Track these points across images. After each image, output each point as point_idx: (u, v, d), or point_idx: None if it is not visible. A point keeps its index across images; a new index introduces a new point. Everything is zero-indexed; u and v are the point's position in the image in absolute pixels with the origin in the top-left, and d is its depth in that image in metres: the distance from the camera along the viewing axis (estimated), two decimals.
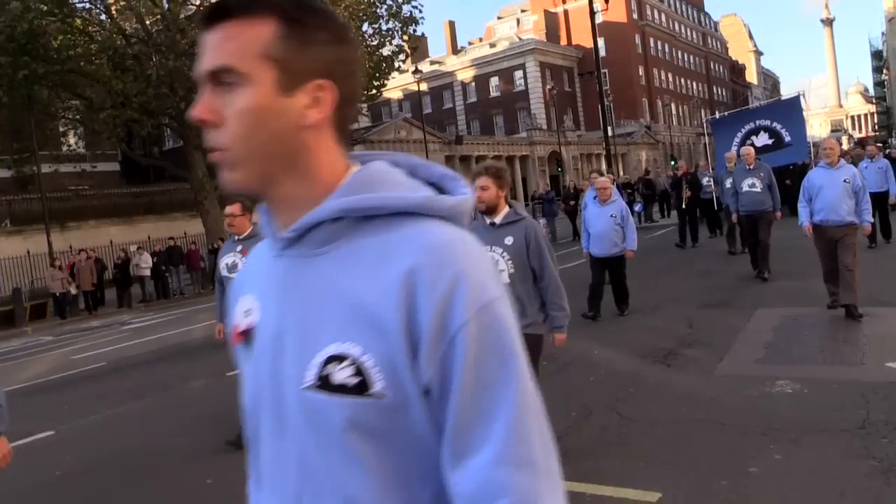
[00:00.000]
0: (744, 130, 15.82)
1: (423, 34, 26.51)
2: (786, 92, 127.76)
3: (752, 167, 9.65)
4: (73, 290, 19.80)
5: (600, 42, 69.19)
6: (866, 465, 3.63)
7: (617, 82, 67.72)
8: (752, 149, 10.40)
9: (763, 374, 5.41)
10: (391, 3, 23.84)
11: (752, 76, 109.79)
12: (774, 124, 15.55)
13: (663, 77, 74.61)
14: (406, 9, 23.90)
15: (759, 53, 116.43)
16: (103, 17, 22.13)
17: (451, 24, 73.90)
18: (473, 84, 67.35)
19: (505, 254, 3.72)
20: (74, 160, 33.74)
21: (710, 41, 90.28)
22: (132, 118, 20.39)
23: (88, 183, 33.76)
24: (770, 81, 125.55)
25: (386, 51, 25.00)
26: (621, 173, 39.07)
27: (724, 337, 6.64)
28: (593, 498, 3.62)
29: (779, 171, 18.10)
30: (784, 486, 3.50)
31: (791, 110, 16.39)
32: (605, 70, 69.77)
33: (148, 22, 22.05)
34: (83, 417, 6.85)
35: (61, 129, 25.91)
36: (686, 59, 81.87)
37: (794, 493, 3.41)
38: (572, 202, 21.36)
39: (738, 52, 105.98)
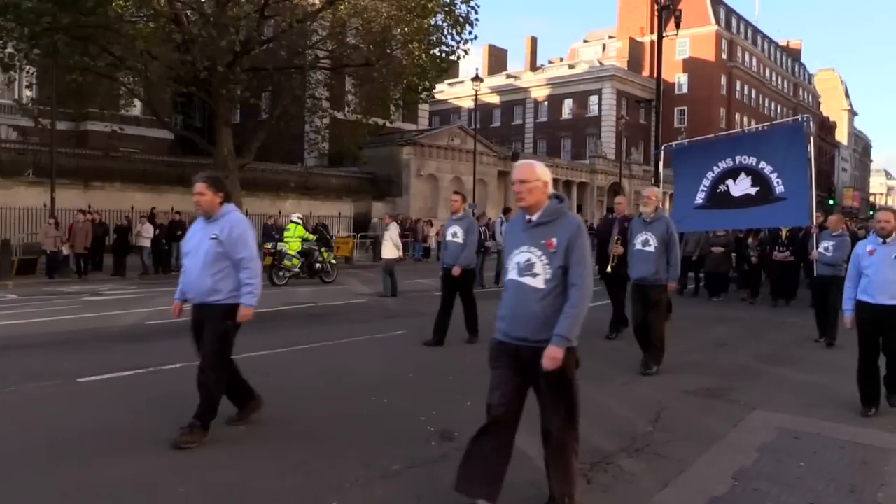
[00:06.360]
0: (717, 169, 10.97)
1: (475, 36, 24.95)
2: (878, 159, 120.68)
3: (651, 219, 7.11)
4: (66, 251, 18.88)
5: (684, 78, 67.33)
6: None
7: (695, 121, 64.96)
8: (655, 190, 7.34)
9: None
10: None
11: (842, 136, 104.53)
12: (762, 165, 10.61)
13: (745, 122, 71.23)
14: (462, 8, 22.37)
15: (853, 113, 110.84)
16: None
17: (533, 40, 72.22)
18: (546, 103, 65.78)
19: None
20: (130, 122, 33.29)
21: (801, 93, 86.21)
22: (151, 81, 19.43)
23: (140, 147, 33.42)
24: (861, 144, 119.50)
25: (436, 51, 23.52)
26: None
27: (691, 445, 4.82)
28: None
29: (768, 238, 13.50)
30: None
31: (789, 145, 10.70)
32: (685, 107, 67.17)
33: None
34: None
35: (120, 91, 25.10)
36: (773, 107, 78.20)
37: None
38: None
39: (831, 108, 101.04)
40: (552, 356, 3.27)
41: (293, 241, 17.11)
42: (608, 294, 9.55)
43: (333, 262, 18.45)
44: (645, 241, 7.11)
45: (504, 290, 3.61)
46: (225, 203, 4.79)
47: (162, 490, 3.92)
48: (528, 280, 3.43)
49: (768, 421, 5.45)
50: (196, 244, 4.78)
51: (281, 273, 16.71)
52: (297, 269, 16.96)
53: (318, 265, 17.51)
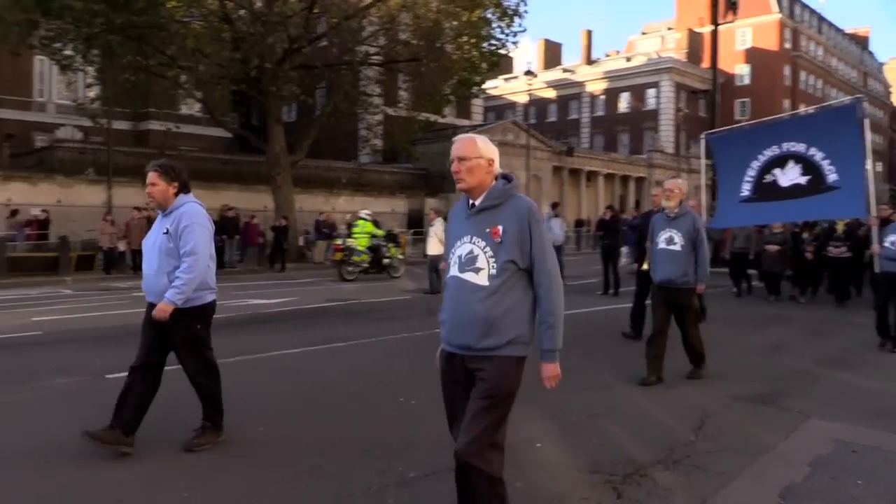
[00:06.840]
0: (763, 158, 9.94)
1: (524, 28, 24.48)
2: None
3: (675, 214, 6.46)
4: (122, 247, 19.31)
5: (745, 69, 65.23)
6: None
7: (758, 113, 62.75)
8: (678, 182, 6.62)
9: None
10: None
11: None
12: (812, 151, 9.54)
13: None
14: (511, 0, 21.99)
15: None
16: None
17: (589, 34, 71.26)
18: (603, 97, 64.76)
19: None
20: (189, 122, 33.94)
21: (870, 83, 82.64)
22: (202, 80, 19.67)
23: (199, 145, 34.06)
24: None
25: (486, 44, 23.18)
26: None
27: (736, 457, 4.44)
28: None
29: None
30: None
31: (841, 127, 9.46)
32: (747, 99, 65.11)
33: None
34: None
35: (179, 91, 25.53)
36: (840, 98, 75.17)
37: None
38: None
39: None
40: (552, 375, 2.95)
41: (361, 237, 17.68)
42: (638, 291, 8.96)
43: (400, 257, 19.00)
44: (669, 239, 6.41)
45: (445, 289, 3.09)
46: (182, 193, 4.40)
47: (166, 493, 3.78)
48: (469, 276, 2.90)
49: (824, 431, 5.01)
50: (152, 242, 4.44)
51: (350, 268, 17.40)
52: (366, 265, 17.62)
53: (385, 260, 18.04)
